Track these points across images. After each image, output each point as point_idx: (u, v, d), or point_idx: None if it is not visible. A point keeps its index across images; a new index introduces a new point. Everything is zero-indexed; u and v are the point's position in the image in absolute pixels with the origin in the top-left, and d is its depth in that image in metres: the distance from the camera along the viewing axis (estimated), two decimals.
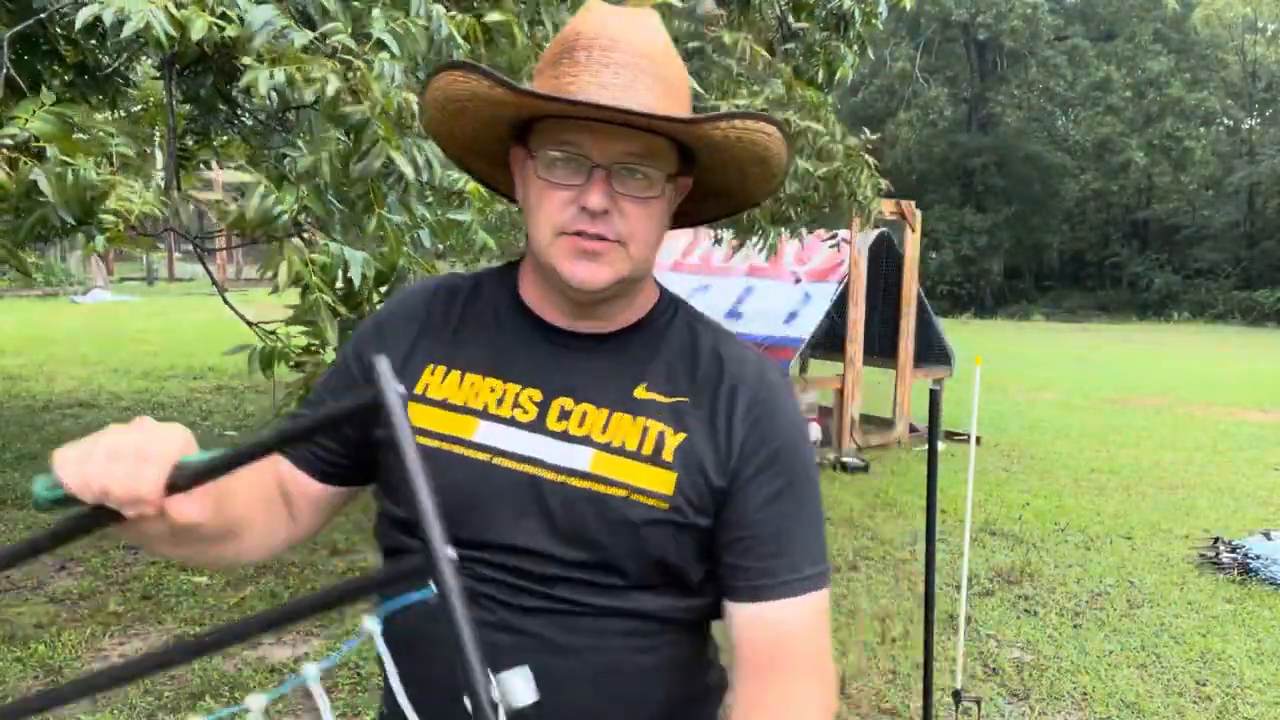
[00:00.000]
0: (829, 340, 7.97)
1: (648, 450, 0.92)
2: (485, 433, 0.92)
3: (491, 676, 0.48)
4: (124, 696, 3.01)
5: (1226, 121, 31.58)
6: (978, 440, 7.49)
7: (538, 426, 0.93)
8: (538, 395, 0.94)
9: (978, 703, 2.96)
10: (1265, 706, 3.32)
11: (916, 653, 3.53)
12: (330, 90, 1.78)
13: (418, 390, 0.95)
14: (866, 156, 4.12)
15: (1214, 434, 8.60)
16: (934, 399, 2.69)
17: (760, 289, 7.71)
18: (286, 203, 1.92)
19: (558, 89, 0.87)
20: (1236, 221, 29.26)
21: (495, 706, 0.46)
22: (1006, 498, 6.06)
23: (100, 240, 2.06)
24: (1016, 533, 5.29)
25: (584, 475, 0.91)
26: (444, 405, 0.94)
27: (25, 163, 1.83)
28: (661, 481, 0.91)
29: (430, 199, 2.20)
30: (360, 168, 1.91)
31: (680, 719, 0.99)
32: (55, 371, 9.90)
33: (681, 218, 1.04)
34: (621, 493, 0.90)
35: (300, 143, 2.25)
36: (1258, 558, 4.72)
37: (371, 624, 0.51)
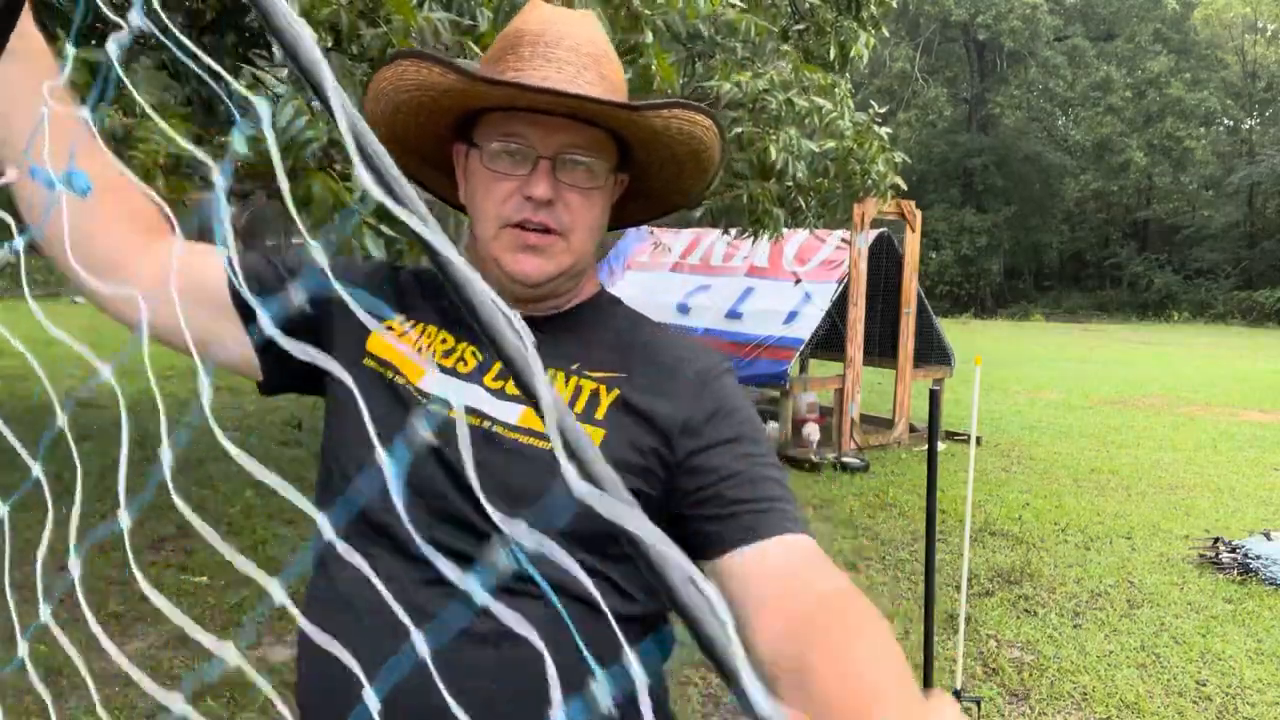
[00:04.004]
0: (829, 340, 7.97)
1: (579, 409, 0.91)
2: (430, 382, 0.93)
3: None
4: (124, 696, 3.01)
5: (1226, 121, 31.60)
6: (978, 440, 7.49)
7: (475, 379, 0.93)
8: (479, 355, 0.95)
9: (978, 703, 2.97)
10: (1265, 706, 3.32)
11: (916, 653, 3.52)
12: None
13: (384, 323, 0.97)
14: (879, 129, 4.02)
15: (1214, 434, 8.60)
16: (934, 399, 2.69)
17: (760, 289, 7.71)
18: (318, 128, 1.87)
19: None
20: (1236, 221, 29.27)
21: None
22: (1006, 498, 6.06)
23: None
24: (1016, 533, 5.29)
25: (513, 428, 0.90)
26: (398, 345, 0.97)
27: None
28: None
29: None
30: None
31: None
32: (55, 371, 9.91)
33: (613, 220, 1.06)
34: (547, 445, 0.86)
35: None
36: (1258, 558, 4.72)
37: None
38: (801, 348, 7.11)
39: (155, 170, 1.93)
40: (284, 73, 3.10)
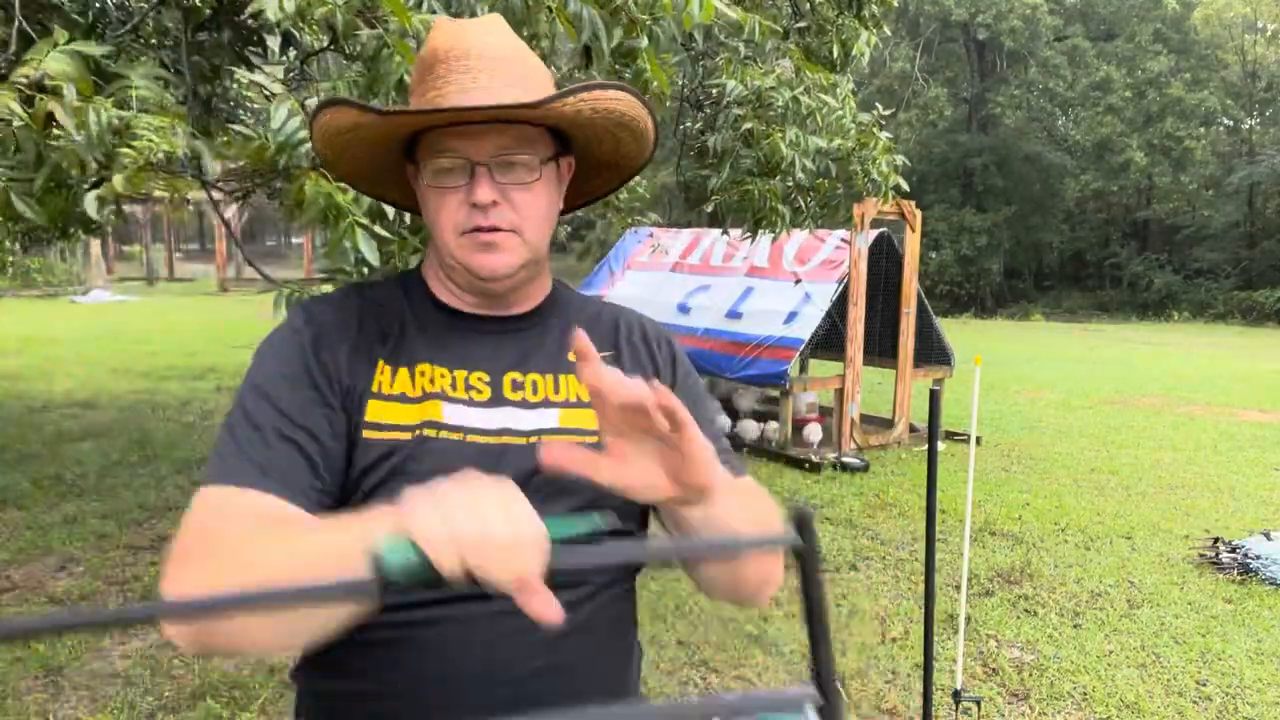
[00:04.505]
0: (829, 340, 7.97)
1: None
2: (451, 414, 0.97)
3: None
4: (124, 696, 3.01)
5: (1226, 121, 31.57)
6: (978, 440, 7.49)
7: (497, 401, 0.99)
8: (485, 376, 1.00)
9: (978, 703, 2.97)
10: (1265, 706, 3.32)
11: (916, 653, 3.53)
12: None
13: (373, 389, 0.97)
14: (880, 133, 4.04)
15: (1214, 434, 8.60)
16: (934, 399, 2.69)
17: (760, 289, 7.71)
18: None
19: (425, 104, 0.96)
20: (1236, 221, 29.25)
21: None
22: (1006, 498, 6.06)
23: (120, 180, 1.89)
24: (1016, 533, 5.29)
25: (556, 432, 0.98)
26: (403, 399, 0.97)
27: (41, 99, 1.76)
28: None
29: None
30: (377, 103, 1.86)
31: (612, 677, 1.03)
32: (55, 371, 9.91)
33: (582, 196, 1.13)
34: (595, 439, 0.95)
35: (319, 85, 2.22)
36: (1258, 558, 4.72)
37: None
38: (801, 348, 7.11)
39: (151, 167, 1.93)
40: (279, 71, 3.09)
